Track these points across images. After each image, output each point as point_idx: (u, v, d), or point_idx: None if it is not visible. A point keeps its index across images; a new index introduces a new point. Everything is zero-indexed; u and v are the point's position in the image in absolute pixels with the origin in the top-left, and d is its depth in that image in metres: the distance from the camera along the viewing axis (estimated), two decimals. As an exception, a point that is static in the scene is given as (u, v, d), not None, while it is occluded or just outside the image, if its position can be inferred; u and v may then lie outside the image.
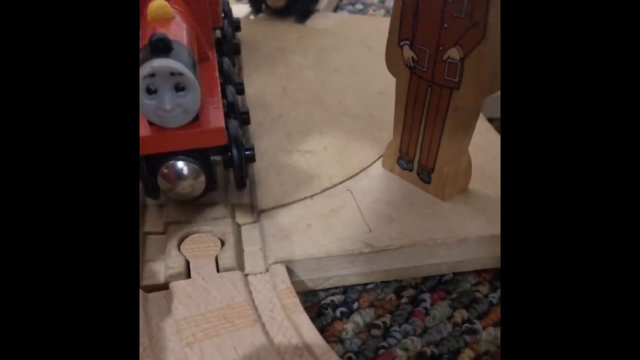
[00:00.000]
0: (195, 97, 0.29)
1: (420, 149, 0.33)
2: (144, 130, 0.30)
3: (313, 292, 0.32)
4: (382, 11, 0.64)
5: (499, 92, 0.28)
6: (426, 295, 0.31)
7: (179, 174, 0.31)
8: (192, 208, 0.33)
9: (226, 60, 0.39)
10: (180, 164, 0.31)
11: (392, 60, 0.31)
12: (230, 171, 0.33)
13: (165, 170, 0.31)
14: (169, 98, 0.28)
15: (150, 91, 0.28)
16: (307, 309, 0.29)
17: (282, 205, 0.34)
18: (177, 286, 0.28)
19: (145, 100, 0.28)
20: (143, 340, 0.26)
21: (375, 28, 0.42)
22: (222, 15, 0.45)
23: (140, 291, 0.28)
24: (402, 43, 0.30)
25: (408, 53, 0.30)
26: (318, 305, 0.31)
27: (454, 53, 0.28)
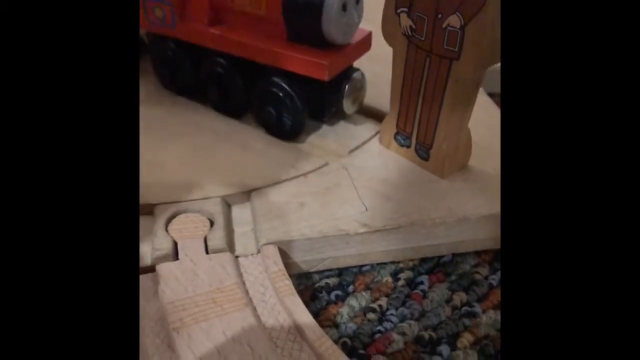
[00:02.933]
0: (362, 8, 0.33)
1: (418, 125, 0.32)
2: (323, 58, 0.32)
3: (307, 275, 0.31)
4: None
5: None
6: (424, 278, 0.30)
7: (362, 83, 0.36)
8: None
9: None
10: (360, 73, 0.35)
11: (388, 29, 0.30)
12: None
13: (352, 84, 0.35)
14: (356, 11, 0.32)
15: (344, 8, 0.31)
16: (301, 292, 0.29)
17: (274, 183, 0.33)
18: (164, 268, 0.27)
19: (340, 19, 0.31)
20: (128, 325, 0.25)
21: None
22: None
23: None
24: (399, 10, 0.29)
25: (405, 21, 0.29)
26: (312, 288, 0.30)
27: (454, 21, 0.26)
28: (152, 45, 0.41)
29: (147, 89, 0.42)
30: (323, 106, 0.35)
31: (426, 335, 0.27)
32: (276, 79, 0.34)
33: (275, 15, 0.33)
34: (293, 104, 0.34)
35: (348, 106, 0.36)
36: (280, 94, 0.34)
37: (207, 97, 0.40)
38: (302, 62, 0.33)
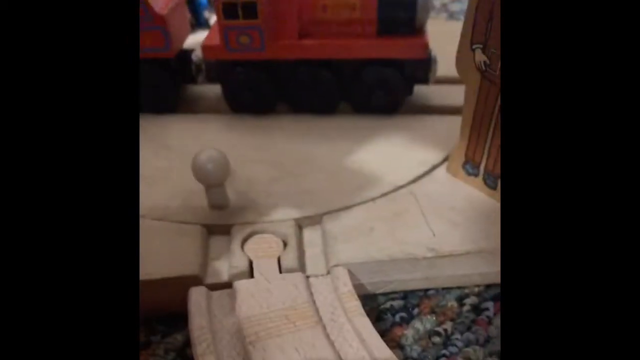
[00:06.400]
0: None
1: (487, 155, 0.33)
2: (419, 40, 0.40)
3: (372, 296, 0.31)
4: (445, 14, 0.64)
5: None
6: (489, 304, 0.30)
7: (436, 58, 0.41)
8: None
9: None
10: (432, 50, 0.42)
11: (462, 64, 0.31)
12: None
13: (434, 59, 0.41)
14: None
15: None
16: (366, 313, 0.29)
17: (345, 208, 0.34)
18: (241, 285, 0.29)
19: (427, 6, 0.39)
20: (206, 336, 0.26)
21: (439, 31, 0.42)
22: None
23: (205, 288, 0.29)
24: (474, 47, 0.30)
25: (480, 57, 0.30)
26: (377, 309, 0.30)
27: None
28: (219, 74, 0.43)
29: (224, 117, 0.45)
30: (411, 82, 0.42)
31: (491, 361, 0.28)
32: (380, 68, 0.41)
33: (369, 15, 0.39)
34: (398, 84, 0.41)
35: (431, 78, 0.42)
36: (388, 79, 0.41)
37: (290, 108, 0.44)
38: (403, 47, 0.40)
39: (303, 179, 0.36)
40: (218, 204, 0.33)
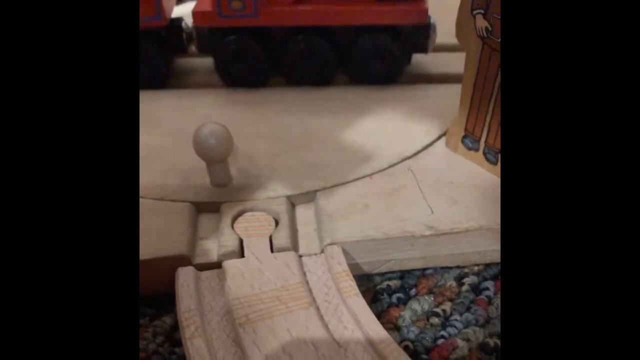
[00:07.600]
0: None
1: (488, 128, 0.32)
2: (419, 5, 0.39)
3: (368, 276, 0.30)
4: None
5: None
6: (489, 284, 0.30)
7: (435, 25, 0.41)
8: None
9: None
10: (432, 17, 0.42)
11: (462, 31, 0.30)
12: None
13: (433, 26, 0.41)
14: None
15: None
16: (362, 294, 0.28)
17: (339, 184, 0.33)
18: (230, 265, 0.28)
19: None
20: (195, 319, 0.25)
21: (439, 1, 0.41)
22: None
23: (193, 269, 0.28)
24: (475, 12, 0.28)
25: (481, 22, 0.28)
26: (373, 290, 0.30)
27: (532, 23, 0.26)
28: (210, 43, 0.42)
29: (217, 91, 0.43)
30: (410, 51, 0.42)
31: (491, 342, 0.27)
32: (377, 35, 0.40)
33: None
34: (397, 52, 0.41)
35: (430, 46, 0.41)
36: (386, 46, 0.40)
37: (285, 79, 0.44)
38: (402, 12, 0.39)
39: (303, 154, 0.35)
40: (220, 182, 0.32)
